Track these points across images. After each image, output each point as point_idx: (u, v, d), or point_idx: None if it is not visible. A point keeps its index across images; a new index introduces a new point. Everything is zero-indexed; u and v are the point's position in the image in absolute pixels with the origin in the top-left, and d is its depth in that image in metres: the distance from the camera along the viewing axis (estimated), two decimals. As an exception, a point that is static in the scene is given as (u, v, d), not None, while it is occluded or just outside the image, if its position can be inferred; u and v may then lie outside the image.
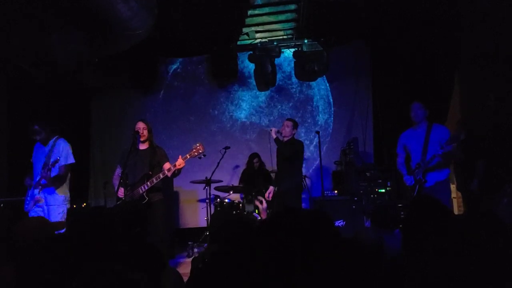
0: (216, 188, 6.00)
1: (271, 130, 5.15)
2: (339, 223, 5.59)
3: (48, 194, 4.28)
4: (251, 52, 6.61)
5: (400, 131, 4.59)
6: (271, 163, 5.98)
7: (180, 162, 4.07)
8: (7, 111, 5.57)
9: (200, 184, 5.89)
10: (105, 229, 2.01)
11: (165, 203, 4.45)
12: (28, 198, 4.36)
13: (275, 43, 6.58)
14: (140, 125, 4.33)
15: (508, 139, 4.44)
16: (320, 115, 7.17)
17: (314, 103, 7.20)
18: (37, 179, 4.27)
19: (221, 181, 6.10)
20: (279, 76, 6.95)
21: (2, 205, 4.93)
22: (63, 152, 4.31)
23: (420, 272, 1.28)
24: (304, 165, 6.82)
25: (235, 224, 2.44)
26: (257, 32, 6.67)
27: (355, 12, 5.53)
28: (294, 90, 7.25)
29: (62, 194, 4.33)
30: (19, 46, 4.73)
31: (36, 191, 4.30)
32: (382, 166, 6.09)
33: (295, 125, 5.16)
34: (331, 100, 7.16)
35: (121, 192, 4.10)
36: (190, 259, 4.94)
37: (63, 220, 4.19)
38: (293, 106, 7.21)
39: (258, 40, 6.74)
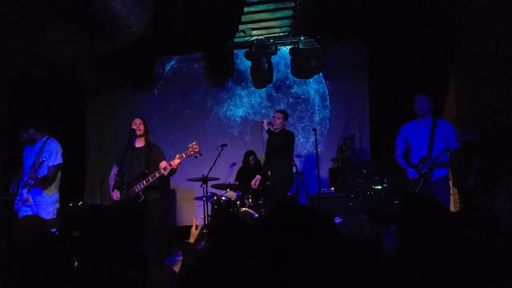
0: (213, 186, 6.00)
1: (263, 121, 5.19)
2: (336, 220, 5.60)
3: (35, 194, 4.26)
4: (248, 50, 6.60)
5: (397, 128, 4.53)
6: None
7: (176, 161, 4.06)
8: (7, 111, 5.54)
9: (197, 182, 5.88)
10: (101, 227, 2.00)
11: (162, 201, 4.45)
12: (17, 197, 4.35)
13: (271, 40, 6.57)
14: (137, 121, 4.33)
15: (507, 138, 4.46)
16: (317, 112, 7.16)
17: (311, 100, 7.19)
18: (25, 179, 4.26)
19: (218, 178, 6.08)
20: (275, 73, 6.93)
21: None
22: (52, 153, 4.27)
23: (417, 271, 1.28)
24: (300, 161, 6.84)
25: (231, 221, 2.44)
26: (253, 29, 6.65)
27: (352, 10, 5.53)
28: (290, 87, 7.24)
29: (50, 194, 4.29)
30: (19, 46, 4.71)
31: (25, 191, 4.28)
32: (378, 163, 6.10)
33: (286, 116, 5.19)
34: (328, 97, 7.16)
35: (115, 194, 4.06)
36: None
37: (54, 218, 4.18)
38: (289, 103, 7.20)
39: (254, 37, 6.72)
